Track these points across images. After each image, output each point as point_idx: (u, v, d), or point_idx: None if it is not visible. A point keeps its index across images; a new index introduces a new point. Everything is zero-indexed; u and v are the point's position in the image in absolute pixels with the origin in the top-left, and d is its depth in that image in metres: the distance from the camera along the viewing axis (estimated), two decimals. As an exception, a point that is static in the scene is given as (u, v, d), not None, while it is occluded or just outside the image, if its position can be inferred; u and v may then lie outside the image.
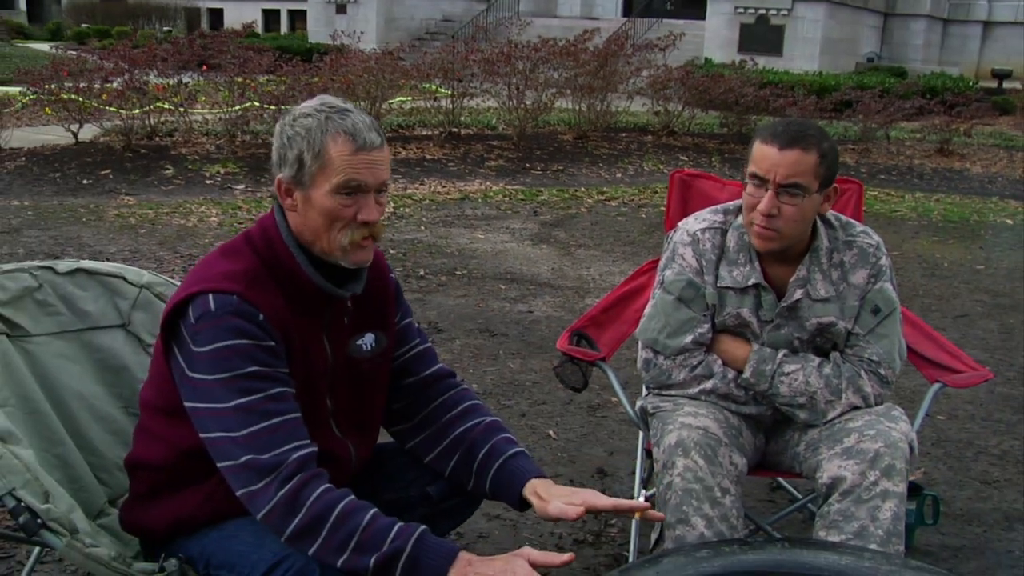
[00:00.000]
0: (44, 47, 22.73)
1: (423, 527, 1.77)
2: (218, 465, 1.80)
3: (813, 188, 2.32)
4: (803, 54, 21.16)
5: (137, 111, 9.95)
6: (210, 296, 1.80)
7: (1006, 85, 21.35)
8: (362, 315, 2.03)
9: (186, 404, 1.82)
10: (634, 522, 2.66)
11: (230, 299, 1.80)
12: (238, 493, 1.78)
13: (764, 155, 2.32)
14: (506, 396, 4.33)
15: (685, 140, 12.81)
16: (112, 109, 9.99)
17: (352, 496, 1.79)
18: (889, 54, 24.47)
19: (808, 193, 2.32)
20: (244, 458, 1.76)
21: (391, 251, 6.80)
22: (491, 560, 1.74)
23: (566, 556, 1.73)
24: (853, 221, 2.57)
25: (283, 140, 1.87)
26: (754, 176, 2.35)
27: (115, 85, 9.85)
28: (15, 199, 8.02)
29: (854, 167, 11.95)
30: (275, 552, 1.78)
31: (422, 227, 7.69)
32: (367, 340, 2.04)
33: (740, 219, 2.49)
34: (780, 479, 3.32)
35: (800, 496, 3.15)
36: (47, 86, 9.73)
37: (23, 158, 9.30)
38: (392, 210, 8.18)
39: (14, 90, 12.03)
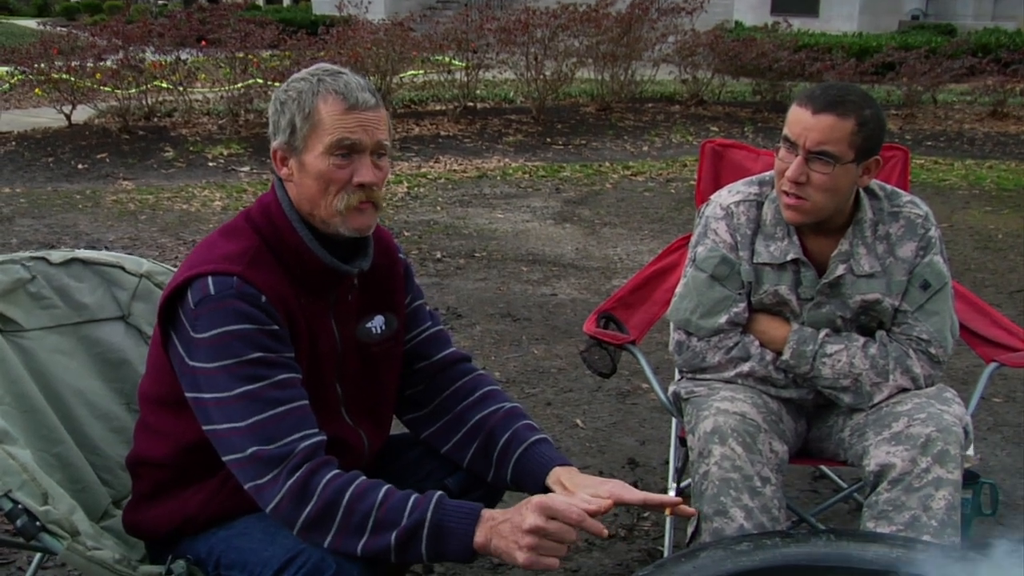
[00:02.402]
0: (31, 23, 22.85)
1: (440, 492, 1.78)
2: (224, 458, 1.81)
3: (847, 157, 2.29)
4: (841, 14, 20.95)
5: (133, 91, 9.98)
6: (209, 279, 1.80)
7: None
8: (370, 296, 2.03)
9: (187, 395, 1.83)
10: (668, 517, 2.65)
11: (230, 281, 1.80)
12: (246, 487, 1.79)
13: (797, 118, 2.31)
14: (530, 384, 4.33)
15: (715, 109, 12.73)
16: (107, 89, 10.04)
17: (362, 476, 1.80)
18: (936, 10, 24.13)
19: (840, 162, 2.29)
20: (250, 449, 1.76)
21: (406, 233, 6.80)
22: (515, 510, 1.75)
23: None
24: (899, 190, 2.55)
25: (276, 106, 1.90)
26: (785, 139, 2.34)
27: (109, 64, 9.89)
28: (6, 186, 8.08)
29: (898, 134, 11.83)
30: (288, 548, 1.78)
31: (438, 207, 7.69)
32: (376, 322, 2.04)
33: (776, 191, 2.47)
34: (824, 467, 3.31)
35: (845, 485, 3.14)
36: (36, 66, 9.76)
37: (13, 142, 9.36)
38: (406, 190, 8.19)
39: (1, 70, 12.07)
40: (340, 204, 1.87)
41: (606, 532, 1.79)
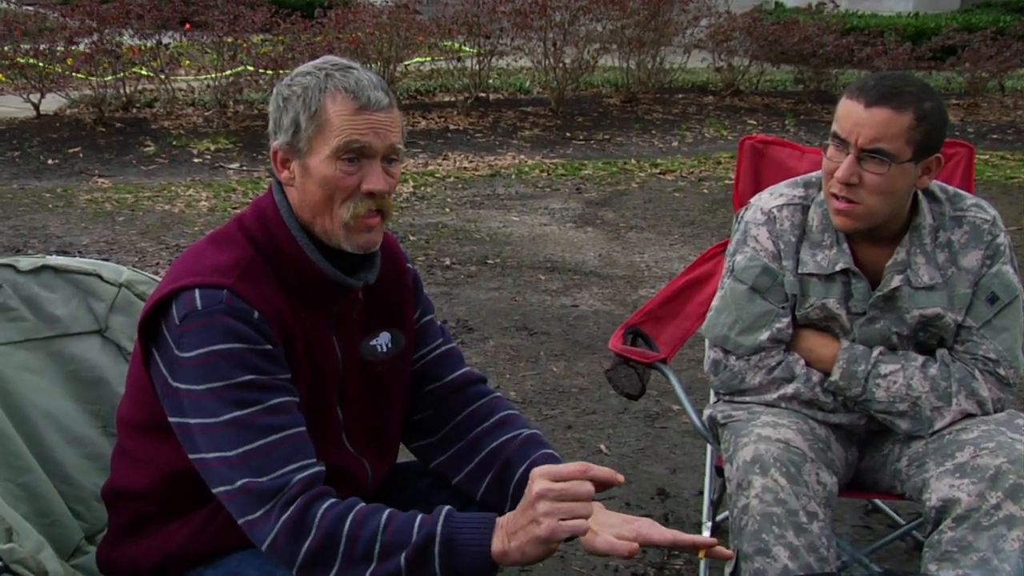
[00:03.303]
0: (-5, 3, 22.92)
1: (448, 507, 1.78)
2: (213, 491, 1.80)
3: (904, 156, 2.28)
4: (894, -8, 20.88)
5: (110, 78, 10.00)
6: (196, 292, 1.80)
7: None
8: (375, 311, 2.03)
9: (171, 419, 1.82)
10: (703, 560, 2.63)
11: (219, 295, 1.80)
12: (239, 522, 1.78)
13: (848, 112, 2.30)
14: (549, 405, 4.32)
15: (753, 101, 12.70)
16: (80, 76, 10.06)
17: (361, 503, 1.79)
18: (1006, -15, 24.00)
19: (896, 161, 2.28)
20: (240, 481, 1.76)
21: (411, 237, 6.81)
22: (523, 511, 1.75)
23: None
24: (962, 192, 2.54)
25: (278, 102, 1.89)
26: (835, 136, 2.33)
27: (82, 48, 9.89)
28: (-29, 185, 8.12)
29: (959, 127, 11.78)
30: (288, 588, 1.77)
31: (447, 209, 7.69)
32: (382, 340, 2.03)
33: (823, 194, 2.46)
34: (878, 501, 3.29)
35: (903, 521, 3.12)
36: (-1, 49, 9.78)
37: (-25, 136, 9.40)
38: (412, 190, 8.19)
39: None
40: (347, 214, 1.86)
41: (621, 478, 1.80)
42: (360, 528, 1.75)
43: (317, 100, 1.84)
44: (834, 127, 2.33)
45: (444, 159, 9.49)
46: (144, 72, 10.45)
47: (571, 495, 1.71)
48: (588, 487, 1.73)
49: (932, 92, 2.33)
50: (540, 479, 1.72)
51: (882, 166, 2.28)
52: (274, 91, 1.92)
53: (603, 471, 1.77)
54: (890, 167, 2.28)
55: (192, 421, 1.79)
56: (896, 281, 2.41)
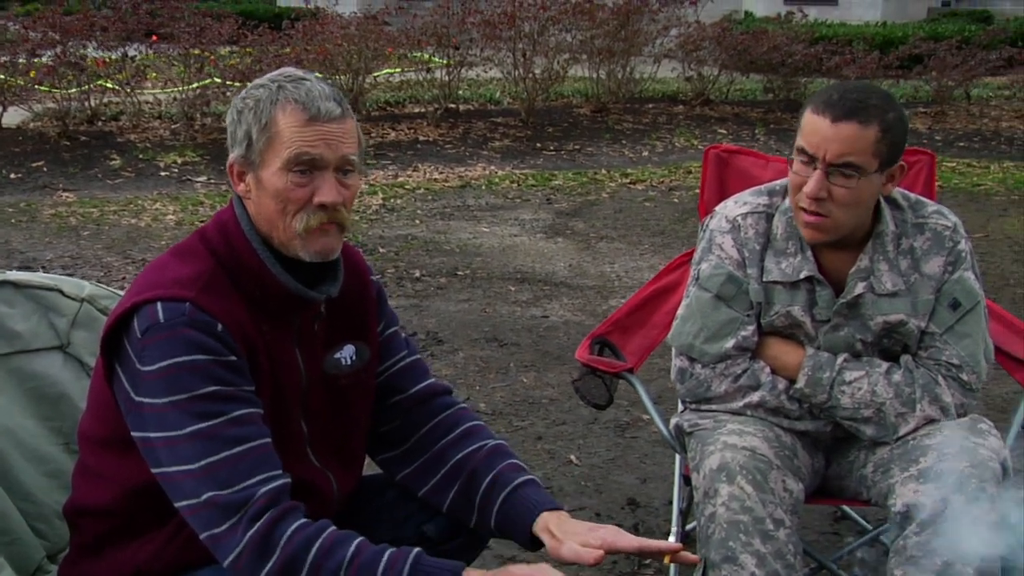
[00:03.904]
0: (-51, 12, 22.73)
1: (417, 550, 1.78)
2: (176, 505, 1.80)
3: (871, 168, 2.31)
4: (863, 1, 21.09)
5: (74, 91, 9.95)
6: (158, 305, 1.80)
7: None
8: (339, 324, 2.03)
9: (134, 434, 1.82)
10: (672, 565, 2.64)
11: (182, 307, 1.80)
12: (202, 536, 1.78)
13: (814, 128, 2.31)
14: (519, 416, 4.32)
15: (723, 110, 12.79)
16: (43, 89, 9.99)
17: (332, 528, 1.79)
18: (971, -5, 24.26)
19: (864, 174, 2.30)
20: (205, 495, 1.75)
21: (381, 249, 6.80)
22: (504, 571, 1.77)
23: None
24: (924, 200, 2.56)
25: (234, 115, 1.90)
26: (801, 151, 2.34)
27: (45, 60, 9.83)
28: (-69, 199, 8.05)
29: (927, 134, 11.89)
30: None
31: (417, 221, 7.69)
32: (346, 353, 2.03)
33: (787, 202, 2.48)
34: (845, 507, 3.30)
35: (870, 527, 3.14)
36: (-43, 61, 9.70)
37: (-65, 150, 9.32)
38: (381, 202, 8.19)
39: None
40: (299, 225, 1.86)
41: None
42: (325, 558, 1.75)
43: (268, 112, 1.85)
44: (800, 142, 2.34)
45: (414, 170, 9.50)
46: (109, 85, 10.40)
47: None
48: None
49: (894, 101, 2.36)
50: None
51: (850, 180, 2.30)
52: (231, 104, 1.93)
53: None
54: (858, 180, 2.30)
55: (155, 435, 1.78)
56: (859, 288, 2.43)
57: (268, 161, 1.85)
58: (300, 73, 1.90)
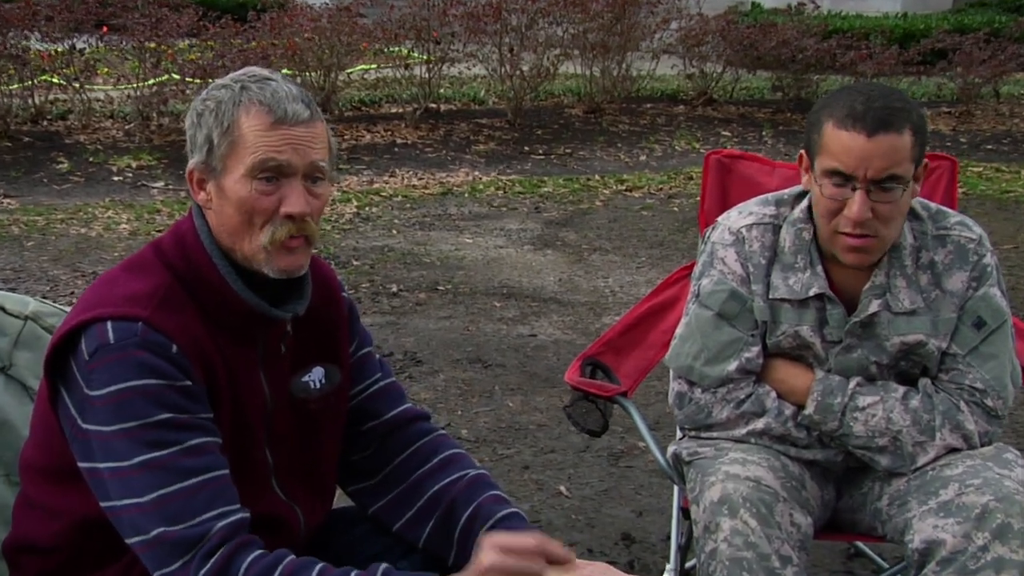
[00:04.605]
0: None
1: (385, 565, 1.80)
2: (127, 541, 1.80)
3: (910, 175, 2.34)
4: (881, -9, 21.12)
5: (16, 86, 9.91)
6: (108, 324, 1.80)
7: None
8: (307, 345, 2.03)
9: (80, 464, 1.82)
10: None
11: (134, 327, 1.80)
12: (154, 575, 1.78)
13: (847, 146, 2.30)
14: (504, 443, 4.33)
15: (727, 110, 12.83)
16: (-21, 84, 9.95)
17: (291, 556, 1.80)
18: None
19: (906, 184, 2.33)
20: (155, 531, 1.76)
21: (355, 262, 6.80)
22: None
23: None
24: (946, 209, 2.58)
25: (193, 119, 1.90)
26: (834, 173, 2.33)
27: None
28: None
29: (950, 136, 11.93)
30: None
31: (394, 231, 7.69)
32: (315, 376, 2.04)
33: (796, 212, 2.49)
34: (858, 543, 3.31)
35: (886, 565, 3.14)
36: None
37: None
38: (355, 210, 8.19)
39: None
40: (265, 239, 1.87)
41: (575, 558, 1.83)
42: None
43: (231, 115, 1.85)
44: (830, 164, 2.32)
45: (391, 176, 9.50)
46: (55, 80, 10.35)
47: (523, 572, 1.76)
48: (541, 563, 1.77)
49: (911, 99, 2.38)
50: (491, 550, 1.76)
51: (893, 193, 2.31)
52: (191, 107, 1.93)
53: (558, 549, 1.80)
54: (903, 192, 2.33)
55: (103, 465, 1.78)
56: (874, 306, 2.44)
57: (231, 168, 1.85)
58: (265, 72, 1.91)
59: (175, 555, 1.75)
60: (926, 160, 2.43)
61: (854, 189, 2.31)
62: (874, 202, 2.31)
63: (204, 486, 1.78)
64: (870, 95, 2.33)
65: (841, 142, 2.31)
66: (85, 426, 1.80)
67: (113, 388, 1.78)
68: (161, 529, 1.75)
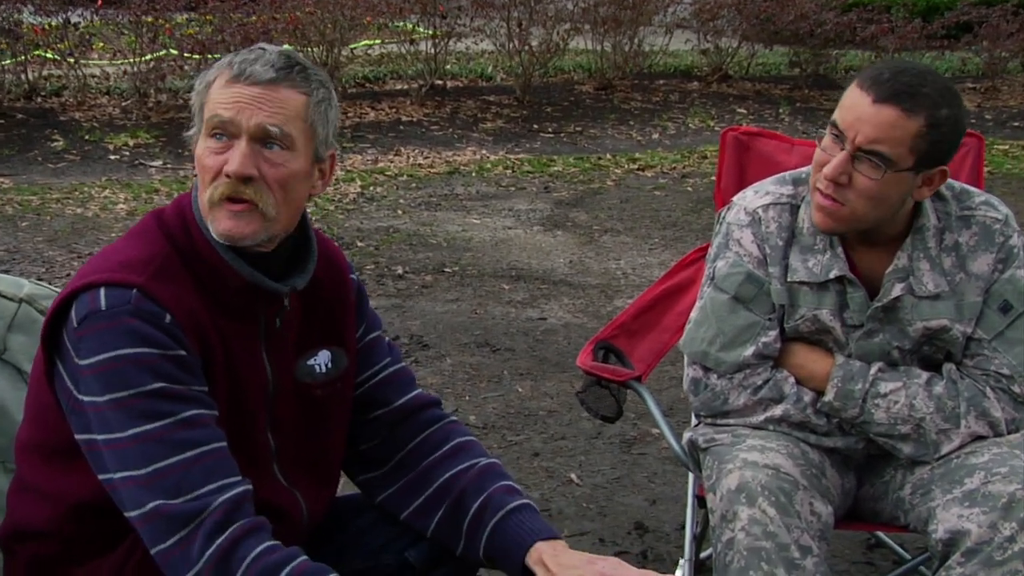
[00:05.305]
0: None
1: None
2: (127, 515, 1.80)
3: (904, 164, 2.30)
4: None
5: (8, 62, 9.90)
6: (101, 291, 1.80)
7: None
8: (313, 326, 2.03)
9: (78, 436, 1.83)
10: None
11: (127, 294, 1.80)
12: (152, 552, 1.78)
13: (852, 104, 2.31)
14: (513, 430, 4.33)
15: (743, 87, 12.79)
16: (-30, 59, 9.94)
17: (303, 556, 1.80)
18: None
19: (894, 168, 2.30)
20: (151, 504, 1.76)
21: (359, 243, 6.80)
22: None
23: None
24: (971, 189, 2.56)
25: (197, 89, 1.93)
26: (833, 126, 2.34)
27: (-29, 26, 9.78)
28: None
29: (976, 113, 11.88)
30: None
31: (399, 211, 7.69)
32: (321, 359, 2.04)
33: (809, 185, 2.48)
34: (879, 533, 3.31)
35: (908, 556, 3.14)
36: None
37: None
38: (359, 190, 8.18)
39: None
40: (205, 196, 1.88)
41: None
42: None
43: (210, 77, 1.89)
44: (835, 116, 2.34)
45: (396, 155, 9.49)
46: (49, 55, 10.32)
47: None
48: None
49: (954, 97, 2.33)
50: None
51: (876, 170, 2.29)
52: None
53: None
54: (885, 173, 2.29)
55: (99, 437, 1.79)
56: (897, 290, 2.44)
57: (201, 129, 1.89)
58: (273, 46, 1.92)
59: (172, 530, 1.75)
60: (946, 168, 2.38)
61: (843, 149, 2.31)
62: (856, 170, 2.30)
63: (201, 459, 1.79)
64: (905, 70, 2.32)
65: (850, 99, 2.32)
66: (80, 397, 1.81)
67: (103, 356, 1.78)
68: (159, 502, 1.76)
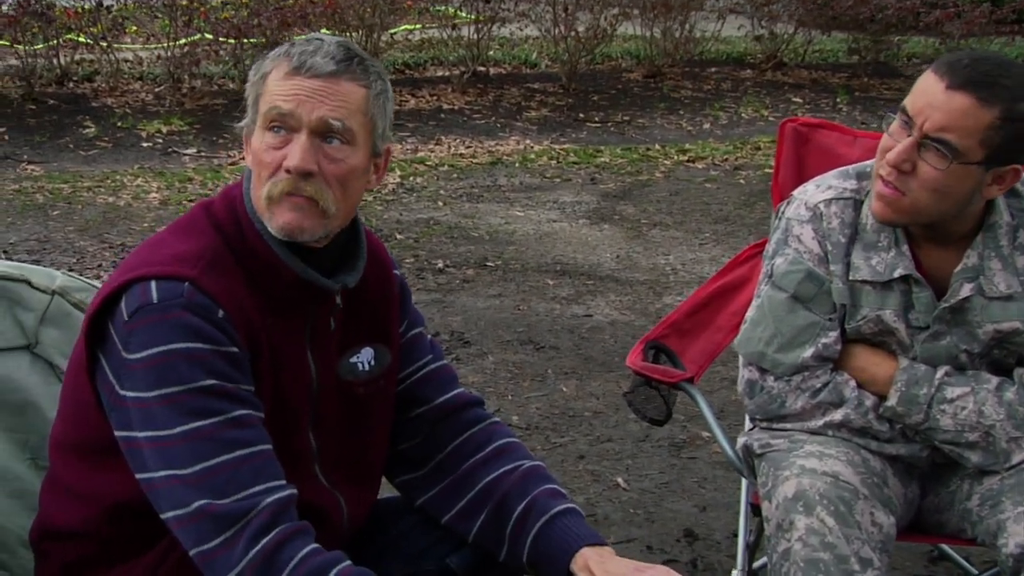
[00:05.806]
0: None
1: None
2: (163, 516, 1.81)
3: (973, 156, 2.28)
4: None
5: (40, 46, 9.99)
6: (152, 284, 1.81)
7: None
8: (357, 323, 2.04)
9: (117, 433, 1.84)
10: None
11: (180, 287, 1.81)
12: (192, 553, 1.79)
13: (924, 89, 2.29)
14: (558, 431, 4.33)
15: (798, 75, 12.72)
16: (3, 43, 10.03)
17: (347, 561, 1.80)
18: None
19: (961, 160, 2.27)
20: (197, 503, 1.77)
21: (398, 235, 6.82)
22: None
23: None
24: (1048, 184, 2.53)
25: (251, 78, 1.94)
26: (903, 111, 2.32)
27: (5, 9, 9.86)
28: None
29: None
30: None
31: (440, 202, 7.70)
32: (364, 357, 2.05)
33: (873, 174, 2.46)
34: (944, 545, 3.28)
35: (975, 570, 3.12)
36: None
37: None
38: (399, 180, 8.20)
39: None
40: (264, 192, 1.88)
41: None
42: None
43: (266, 68, 1.89)
44: (906, 100, 2.33)
45: (436, 144, 9.51)
46: (82, 39, 10.40)
47: None
48: None
49: None
50: None
51: (942, 160, 2.27)
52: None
53: None
54: (951, 164, 2.27)
55: (140, 435, 1.80)
56: (966, 290, 2.42)
57: (257, 121, 1.90)
58: (329, 36, 1.92)
59: (218, 531, 1.76)
60: (1018, 168, 2.34)
61: (910, 135, 2.29)
62: (921, 159, 2.29)
63: (250, 459, 1.80)
64: (986, 58, 2.30)
65: (924, 84, 2.30)
66: (123, 392, 1.81)
67: (154, 351, 1.79)
68: (205, 501, 1.76)
